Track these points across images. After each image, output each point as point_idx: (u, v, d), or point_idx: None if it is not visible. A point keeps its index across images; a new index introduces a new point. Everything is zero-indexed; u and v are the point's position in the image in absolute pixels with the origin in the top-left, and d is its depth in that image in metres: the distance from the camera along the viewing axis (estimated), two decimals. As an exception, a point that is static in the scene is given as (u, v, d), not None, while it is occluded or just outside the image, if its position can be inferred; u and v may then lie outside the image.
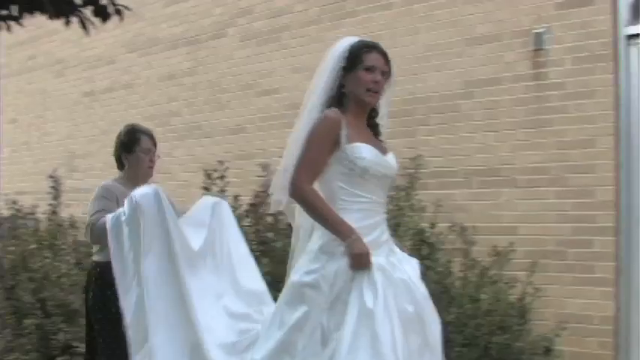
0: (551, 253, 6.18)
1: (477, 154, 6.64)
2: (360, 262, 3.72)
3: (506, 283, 5.89)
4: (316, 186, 3.86)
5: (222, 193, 6.38)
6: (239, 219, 5.46)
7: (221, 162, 6.53)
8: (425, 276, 5.27)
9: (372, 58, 3.95)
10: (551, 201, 6.25)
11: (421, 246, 5.88)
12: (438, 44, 6.98)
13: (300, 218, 4.05)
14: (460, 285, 5.84)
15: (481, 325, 5.61)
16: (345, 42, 4.03)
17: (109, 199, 4.83)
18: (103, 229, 4.45)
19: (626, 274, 6.04)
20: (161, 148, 9.12)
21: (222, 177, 6.49)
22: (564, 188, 6.19)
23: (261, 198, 6.39)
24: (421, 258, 5.69)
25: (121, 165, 5.09)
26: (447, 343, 5.28)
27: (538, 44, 6.44)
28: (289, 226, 6.08)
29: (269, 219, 6.34)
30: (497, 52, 6.66)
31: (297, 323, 3.77)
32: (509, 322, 5.73)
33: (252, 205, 6.48)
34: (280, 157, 6.78)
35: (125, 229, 4.33)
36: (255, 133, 8.46)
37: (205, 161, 7.13)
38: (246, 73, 8.63)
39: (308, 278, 3.79)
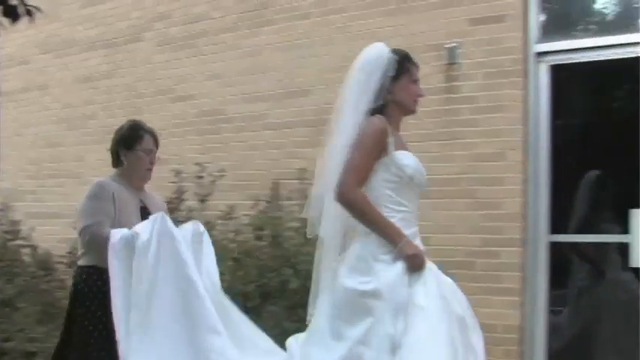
0: (461, 264, 6.28)
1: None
2: (415, 262, 3.82)
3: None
4: None
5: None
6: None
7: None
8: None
9: (416, 71, 4.12)
10: (461, 212, 6.38)
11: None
12: (353, 55, 6.99)
13: (326, 227, 4.00)
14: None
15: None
16: (383, 50, 4.14)
17: (104, 199, 4.54)
18: (104, 242, 4.23)
19: (532, 284, 6.21)
20: (74, 152, 9.13)
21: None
22: (474, 200, 6.33)
23: (174, 204, 6.38)
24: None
25: (117, 162, 4.81)
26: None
27: (451, 59, 6.57)
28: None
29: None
30: (411, 64, 6.75)
31: (362, 336, 3.68)
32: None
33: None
34: (196, 163, 6.89)
35: (140, 259, 4.14)
36: (170, 139, 8.36)
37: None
38: (162, 78, 8.57)
39: (368, 287, 3.75)
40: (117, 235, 4.25)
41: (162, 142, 8.27)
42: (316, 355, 3.81)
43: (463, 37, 6.57)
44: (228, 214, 6.69)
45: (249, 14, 7.89)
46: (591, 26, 6.86)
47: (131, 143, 4.74)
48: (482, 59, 6.47)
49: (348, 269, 3.84)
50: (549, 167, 6.29)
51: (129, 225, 4.39)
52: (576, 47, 6.45)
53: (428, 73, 6.66)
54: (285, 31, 7.57)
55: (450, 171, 6.44)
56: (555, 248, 6.27)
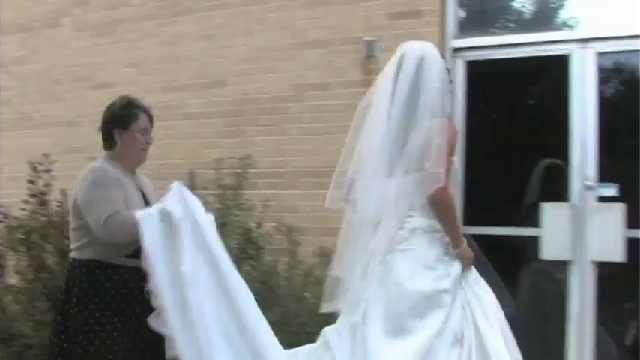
0: (374, 255, 6.35)
1: (304, 156, 6.77)
2: (470, 263, 4.08)
3: (329, 283, 6.04)
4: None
5: (47, 187, 6.27)
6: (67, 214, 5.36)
7: (46, 155, 6.38)
8: (250, 275, 5.40)
9: None
10: (375, 204, 6.42)
11: (247, 245, 5.94)
12: (271, 46, 7.06)
13: (366, 212, 4.10)
14: (285, 284, 5.93)
15: (305, 323, 5.70)
16: (433, 50, 4.20)
17: (111, 186, 4.12)
18: (134, 228, 3.93)
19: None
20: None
21: (48, 170, 6.34)
22: (388, 192, 6.38)
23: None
24: (247, 257, 5.82)
25: (109, 143, 4.35)
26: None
27: (369, 52, 6.62)
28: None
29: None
30: (329, 57, 6.80)
31: (437, 329, 3.86)
32: (333, 321, 5.84)
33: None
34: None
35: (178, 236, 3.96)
36: (87, 127, 8.26)
37: (34, 153, 6.95)
38: (80, 64, 8.43)
39: (443, 284, 3.93)
40: (150, 213, 4.00)
41: (78, 130, 8.28)
42: (385, 348, 3.88)
43: (382, 31, 6.62)
44: (148, 204, 6.64)
45: (169, 2, 7.83)
46: (509, 24, 7.00)
47: (126, 123, 4.32)
48: (400, 53, 6.53)
49: (420, 266, 3.98)
50: (464, 161, 6.38)
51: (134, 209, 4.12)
52: (493, 44, 6.59)
53: (346, 65, 6.73)
54: (204, 20, 7.53)
55: (364, 163, 6.48)
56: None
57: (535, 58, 6.50)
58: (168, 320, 3.87)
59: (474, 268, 4.15)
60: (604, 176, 6.10)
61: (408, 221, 4.03)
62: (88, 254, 4.14)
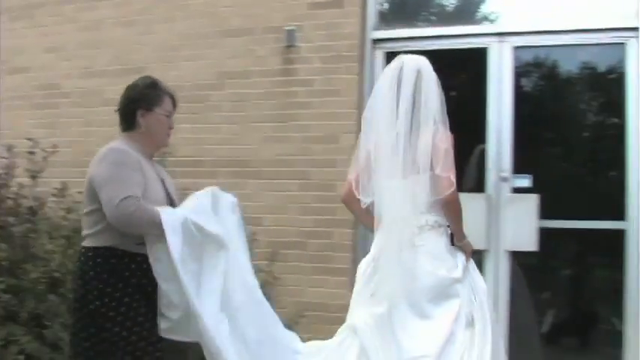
0: (294, 244, 6.40)
1: (224, 145, 6.76)
2: (471, 254, 4.42)
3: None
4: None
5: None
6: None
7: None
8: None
9: None
10: (294, 193, 6.48)
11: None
12: (193, 34, 7.02)
13: (395, 211, 4.32)
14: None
15: (222, 312, 5.70)
16: (428, 62, 4.44)
17: (131, 168, 3.86)
18: (151, 221, 3.72)
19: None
20: None
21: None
22: (307, 181, 6.45)
23: (3, 180, 6.19)
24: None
25: (129, 124, 4.07)
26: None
27: (289, 41, 6.64)
28: (30, 211, 5.98)
29: (9, 202, 6.14)
30: (250, 46, 6.79)
31: (454, 315, 4.18)
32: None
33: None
34: (28, 138, 6.68)
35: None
36: (4, 113, 8.16)
37: (-52, 140, 6.83)
38: (-3, 48, 8.29)
39: (457, 274, 4.25)
40: (175, 216, 3.80)
41: (-6, 115, 8.13)
42: (414, 331, 4.17)
43: (302, 20, 6.65)
44: (62, 191, 6.53)
45: (89, -14, 7.71)
46: (430, 16, 7.08)
47: (150, 103, 4.06)
48: (320, 43, 6.58)
49: (432, 259, 4.27)
50: (381, 151, 6.45)
51: (156, 201, 3.91)
52: (413, 36, 6.65)
53: (266, 55, 6.74)
54: (124, 5, 7.44)
55: (284, 152, 6.54)
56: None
57: (455, 51, 6.59)
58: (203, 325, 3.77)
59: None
60: (518, 167, 6.23)
61: (417, 219, 4.31)
62: (103, 241, 3.85)
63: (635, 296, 5.89)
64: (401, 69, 4.38)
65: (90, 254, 3.87)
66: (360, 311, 4.36)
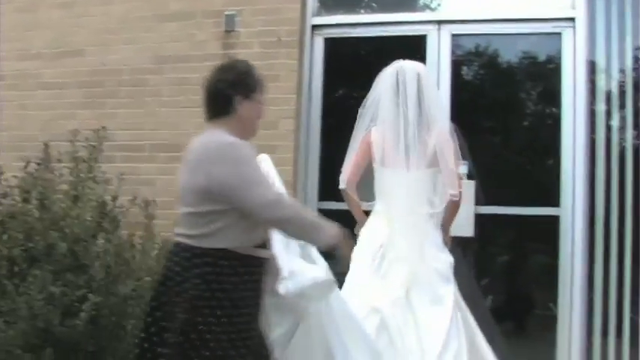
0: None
1: (163, 129, 6.71)
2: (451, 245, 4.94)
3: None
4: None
5: None
6: None
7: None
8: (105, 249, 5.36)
9: None
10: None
11: (103, 219, 5.86)
12: (132, 17, 6.95)
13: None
14: (140, 258, 5.88)
15: (160, 296, 5.68)
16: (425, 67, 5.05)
17: (257, 161, 3.71)
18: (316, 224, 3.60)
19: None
20: None
21: None
22: (247, 167, 6.40)
23: None
24: (102, 231, 5.74)
25: (223, 111, 3.74)
26: (126, 315, 5.38)
27: (229, 26, 6.61)
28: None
29: None
30: (189, 30, 6.75)
31: (455, 297, 4.70)
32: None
33: None
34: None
35: None
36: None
37: None
38: None
39: (451, 259, 4.77)
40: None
41: None
42: (432, 314, 4.61)
43: (242, 5, 6.64)
44: (-4, 175, 6.44)
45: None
46: (371, 3, 7.10)
47: (250, 89, 3.75)
48: (260, 28, 6.57)
49: (435, 245, 4.77)
50: (320, 137, 6.47)
51: None
52: (353, 22, 6.70)
53: (205, 39, 6.71)
54: (59, -12, 7.33)
55: (223, 138, 6.48)
56: (325, 215, 6.42)
57: (394, 38, 6.63)
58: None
59: None
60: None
61: (422, 209, 4.78)
62: (216, 243, 3.56)
63: (567, 281, 6.00)
64: (399, 72, 4.83)
65: (197, 252, 3.56)
66: (377, 294, 4.67)
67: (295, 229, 3.62)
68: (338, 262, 3.72)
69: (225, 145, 3.61)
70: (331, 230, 3.63)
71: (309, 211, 3.66)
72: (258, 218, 3.56)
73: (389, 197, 4.80)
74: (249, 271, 3.62)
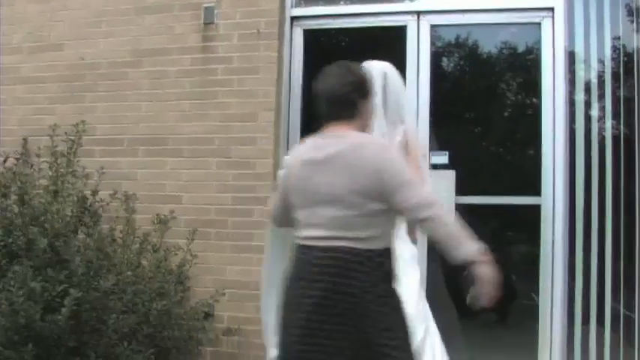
0: (213, 222, 6.39)
1: (143, 122, 6.65)
2: None
3: (166, 250, 6.04)
4: None
5: None
6: None
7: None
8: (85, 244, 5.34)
9: None
10: (213, 171, 6.44)
11: (83, 213, 5.84)
12: (110, 10, 6.90)
13: None
14: (121, 252, 5.87)
15: (141, 291, 5.67)
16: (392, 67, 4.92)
17: None
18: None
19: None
20: None
21: None
22: (226, 159, 6.41)
23: None
24: (83, 225, 5.73)
25: (351, 113, 3.70)
26: (107, 309, 5.37)
27: (207, 18, 6.59)
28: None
29: None
30: (168, 22, 6.70)
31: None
32: (169, 289, 5.85)
33: None
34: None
35: None
36: None
37: None
38: None
39: (416, 252, 4.90)
40: None
41: None
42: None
43: (221, -3, 6.61)
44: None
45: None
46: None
47: (369, 91, 3.81)
48: (239, 20, 6.53)
49: (400, 240, 4.52)
50: (300, 129, 6.47)
51: None
52: (332, 13, 6.69)
53: (184, 32, 6.68)
54: (37, -19, 7.26)
55: (202, 130, 6.49)
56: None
57: (373, 29, 6.63)
58: None
59: None
60: (437, 145, 6.30)
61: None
62: (383, 243, 3.57)
63: (548, 269, 6.03)
64: (369, 72, 4.57)
65: (371, 255, 3.50)
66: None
67: (441, 232, 3.49)
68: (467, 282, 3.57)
69: (384, 145, 3.81)
70: (473, 245, 3.48)
71: (455, 218, 3.53)
72: (409, 217, 3.61)
73: None
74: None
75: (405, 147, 4.70)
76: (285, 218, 3.83)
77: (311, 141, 3.75)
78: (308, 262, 3.54)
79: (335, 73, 3.74)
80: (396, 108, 4.82)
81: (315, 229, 3.55)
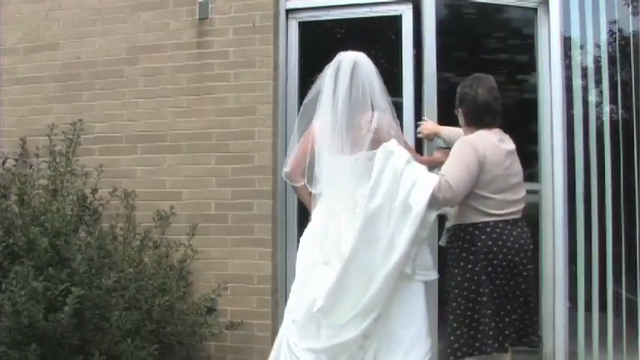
0: (213, 217, 6.39)
1: (140, 119, 6.64)
2: None
3: (167, 246, 6.06)
4: None
5: None
6: None
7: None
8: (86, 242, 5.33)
9: None
10: (212, 166, 6.44)
11: (83, 212, 5.85)
12: (104, 8, 6.89)
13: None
14: (122, 250, 5.88)
15: (143, 288, 5.68)
16: (365, 57, 5.03)
17: None
18: None
19: (282, 235, 6.40)
20: None
21: None
22: (225, 154, 6.41)
23: None
24: (84, 224, 5.74)
25: (497, 119, 5.11)
26: (109, 307, 5.38)
27: (202, 13, 6.57)
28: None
29: None
30: (163, 19, 6.69)
31: None
32: (170, 285, 5.85)
33: None
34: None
35: None
36: None
37: None
38: None
39: None
40: None
41: None
42: None
43: (215, -8, 6.60)
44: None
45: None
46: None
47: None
48: (234, 14, 6.52)
49: None
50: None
51: None
52: (327, 5, 6.64)
53: (180, 27, 6.66)
54: (32, -19, 7.25)
55: (201, 125, 6.49)
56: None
57: (369, 19, 6.60)
58: None
59: None
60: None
61: (357, 190, 4.85)
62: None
63: (550, 255, 6.04)
64: (339, 62, 4.98)
65: (465, 231, 4.92)
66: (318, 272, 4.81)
67: None
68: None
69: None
70: None
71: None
72: None
73: (328, 182, 4.93)
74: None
75: (379, 133, 4.86)
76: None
77: (492, 135, 5.01)
78: (519, 234, 4.92)
79: (488, 87, 5.05)
80: (362, 95, 4.90)
81: (511, 206, 4.91)
